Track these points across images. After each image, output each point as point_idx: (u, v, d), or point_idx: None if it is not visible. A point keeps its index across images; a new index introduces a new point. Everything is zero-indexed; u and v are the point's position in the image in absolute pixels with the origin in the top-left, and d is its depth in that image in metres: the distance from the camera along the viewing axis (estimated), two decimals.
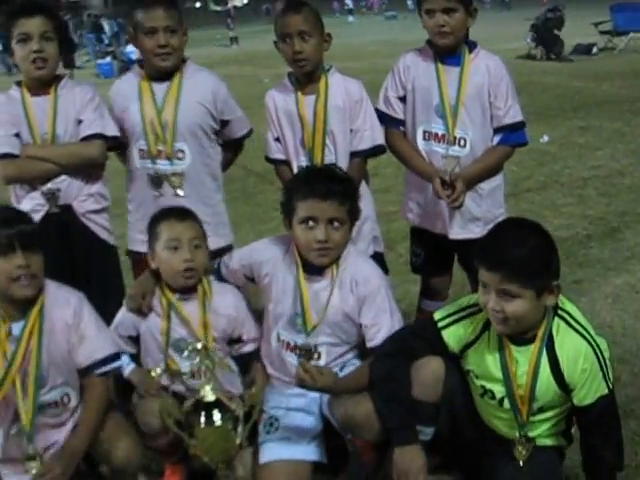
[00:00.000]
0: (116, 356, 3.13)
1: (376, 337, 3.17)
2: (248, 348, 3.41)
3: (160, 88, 3.68)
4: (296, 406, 3.31)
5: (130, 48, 25.18)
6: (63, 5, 34.96)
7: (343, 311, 3.21)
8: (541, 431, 2.87)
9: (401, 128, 3.78)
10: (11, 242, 2.81)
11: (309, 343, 3.23)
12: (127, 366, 3.29)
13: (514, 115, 3.63)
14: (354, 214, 3.23)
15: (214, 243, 3.66)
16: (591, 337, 2.71)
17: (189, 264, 3.18)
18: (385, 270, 3.86)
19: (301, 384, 2.94)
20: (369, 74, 15.52)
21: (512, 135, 3.65)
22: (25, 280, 2.84)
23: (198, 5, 67.52)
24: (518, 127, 3.66)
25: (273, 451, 3.19)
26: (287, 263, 3.29)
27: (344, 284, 3.20)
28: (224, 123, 3.81)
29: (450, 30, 3.49)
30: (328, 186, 3.11)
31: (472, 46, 3.64)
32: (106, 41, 29.66)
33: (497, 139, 3.65)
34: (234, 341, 3.38)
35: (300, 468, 3.17)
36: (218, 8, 71.21)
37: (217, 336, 3.28)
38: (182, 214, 3.30)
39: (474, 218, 3.69)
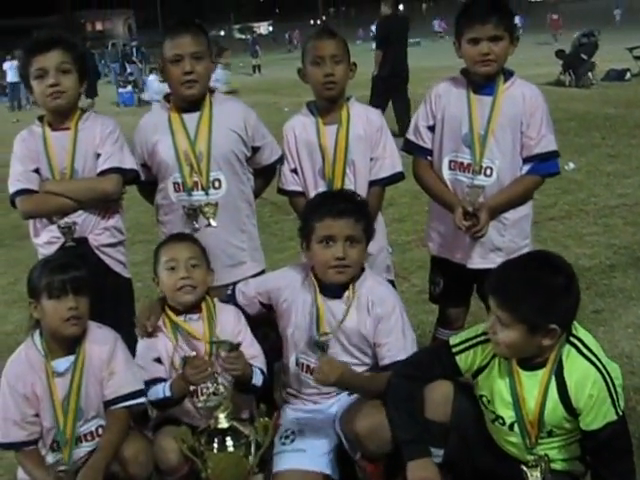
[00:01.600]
0: (140, 393, 3.26)
1: (387, 356, 3.25)
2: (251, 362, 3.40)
3: (190, 119, 3.67)
4: (312, 422, 3.39)
5: (152, 77, 25.66)
6: (88, 35, 35.71)
7: (360, 332, 3.30)
8: (553, 456, 2.88)
9: (428, 158, 3.79)
10: (64, 286, 3.09)
11: (322, 340, 3.24)
12: (164, 389, 3.29)
13: (546, 145, 3.59)
14: (369, 233, 3.33)
15: (251, 268, 3.82)
16: (601, 364, 2.71)
17: (185, 282, 3.31)
18: None
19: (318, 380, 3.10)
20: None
21: (542, 165, 3.61)
22: (74, 320, 3.11)
23: (222, 33, 68.86)
24: (549, 157, 3.62)
25: (287, 461, 3.29)
26: (305, 288, 3.40)
27: (361, 305, 3.29)
28: (255, 149, 3.81)
29: (495, 58, 3.48)
30: (344, 205, 3.24)
31: (508, 75, 3.63)
32: (129, 70, 30.04)
33: (526, 168, 3.61)
34: None
35: (315, 477, 3.25)
36: (242, 36, 72.48)
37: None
38: (179, 237, 3.46)
39: (496, 248, 3.65)
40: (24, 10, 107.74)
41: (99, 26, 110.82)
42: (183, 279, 3.31)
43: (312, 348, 3.34)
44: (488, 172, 3.59)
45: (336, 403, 3.42)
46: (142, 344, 3.42)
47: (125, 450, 3.13)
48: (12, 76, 28.15)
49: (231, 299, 3.57)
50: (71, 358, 3.18)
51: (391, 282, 3.92)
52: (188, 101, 3.67)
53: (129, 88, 26.09)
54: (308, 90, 3.83)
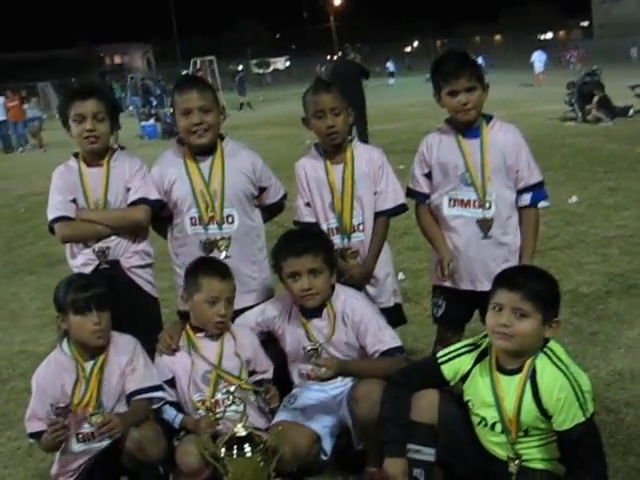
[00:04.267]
0: (159, 387, 3.71)
1: (372, 351, 3.77)
2: (264, 376, 3.95)
3: (204, 161, 4.12)
4: (315, 396, 3.91)
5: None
6: (107, 69, 36.31)
7: (344, 342, 3.81)
8: (533, 455, 3.23)
9: (427, 202, 4.18)
10: (88, 304, 3.56)
11: (315, 347, 3.80)
12: (176, 417, 3.79)
13: (538, 175, 4.04)
14: (331, 262, 3.83)
15: (261, 296, 4.23)
16: (570, 372, 3.10)
17: (223, 319, 3.77)
18: (403, 320, 4.38)
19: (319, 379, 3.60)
20: (407, 134, 16.04)
21: (538, 192, 4.06)
22: (99, 333, 3.59)
23: (240, 68, 70.02)
24: (541, 185, 4.07)
25: (283, 415, 3.82)
26: (292, 314, 3.91)
27: (339, 319, 3.81)
28: (262, 190, 4.25)
29: (473, 106, 3.93)
30: (302, 244, 3.75)
31: (489, 119, 4.05)
32: (154, 103, 30.54)
33: (527, 197, 4.04)
34: (251, 372, 3.92)
35: (305, 431, 3.75)
36: (260, 71, 73.68)
37: (245, 366, 3.84)
38: (223, 273, 3.82)
39: None
40: (43, 43, 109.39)
41: (118, 60, 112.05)
42: (221, 316, 3.76)
43: (308, 360, 3.79)
44: (487, 205, 3.98)
45: (340, 387, 3.89)
46: (157, 362, 3.87)
47: (136, 430, 3.51)
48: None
49: None
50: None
51: (399, 305, 4.34)
52: (201, 147, 4.11)
53: (152, 121, 26.54)
54: None
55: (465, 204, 4.02)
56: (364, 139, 13.02)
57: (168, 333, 3.89)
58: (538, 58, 38.26)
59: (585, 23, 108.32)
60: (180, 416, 3.78)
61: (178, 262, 4.22)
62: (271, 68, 77.48)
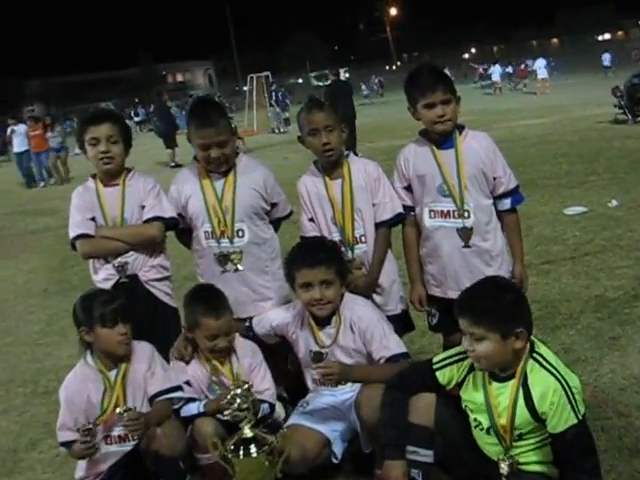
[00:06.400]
0: (179, 388, 3.98)
1: (378, 357, 3.92)
2: (262, 396, 4.06)
3: (218, 180, 4.36)
4: (327, 401, 4.09)
5: None
6: (169, 87, 36.89)
7: (352, 347, 3.97)
8: (528, 458, 3.32)
9: (412, 213, 4.31)
10: (115, 316, 3.82)
11: (321, 351, 4.00)
12: (199, 405, 4.01)
13: (514, 180, 4.19)
14: (342, 273, 3.97)
15: (277, 303, 4.44)
16: (560, 375, 3.17)
17: (222, 351, 4.07)
18: (411, 326, 4.51)
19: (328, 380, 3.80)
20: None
21: (517, 196, 4.22)
22: (124, 343, 3.86)
23: (300, 81, 70.51)
24: (518, 188, 4.22)
25: (294, 419, 4.02)
26: (305, 320, 4.08)
27: (347, 326, 3.97)
28: (273, 205, 4.48)
29: (449, 117, 4.05)
30: (315, 256, 3.91)
31: (461, 129, 4.18)
32: None
33: (507, 201, 4.19)
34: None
35: (314, 435, 3.93)
36: (320, 83, 73.94)
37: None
38: (218, 311, 4.03)
39: None
40: (107, 64, 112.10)
41: (180, 77, 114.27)
42: (220, 349, 4.05)
43: (311, 364, 3.98)
44: (466, 215, 4.10)
45: (349, 392, 4.06)
46: (173, 367, 4.12)
47: (161, 428, 3.76)
48: (19, 145, 24.01)
49: (249, 331, 4.28)
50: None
51: (405, 311, 4.47)
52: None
53: None
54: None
55: (445, 215, 4.14)
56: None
57: (183, 343, 4.14)
58: (539, 65, 37.86)
59: None
60: (203, 401, 4.01)
61: (199, 271, 4.50)
62: (330, 80, 77.59)
